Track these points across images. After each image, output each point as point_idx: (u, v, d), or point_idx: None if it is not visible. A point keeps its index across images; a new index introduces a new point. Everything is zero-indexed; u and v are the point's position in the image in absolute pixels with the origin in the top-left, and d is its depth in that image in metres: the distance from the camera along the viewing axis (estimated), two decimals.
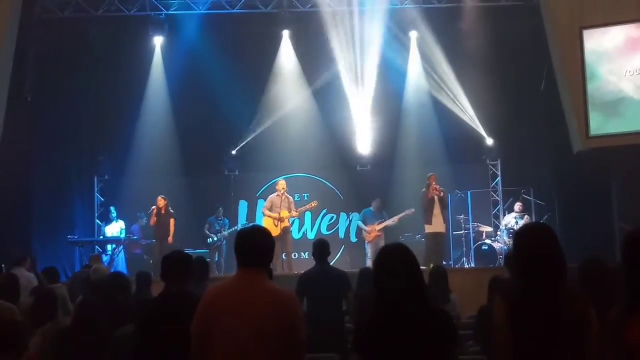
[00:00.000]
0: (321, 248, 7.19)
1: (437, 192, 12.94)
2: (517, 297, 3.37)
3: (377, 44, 14.75)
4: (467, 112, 14.78)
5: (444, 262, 12.88)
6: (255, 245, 4.00)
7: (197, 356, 3.85)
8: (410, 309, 3.38)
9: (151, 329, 4.89)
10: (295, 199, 14.31)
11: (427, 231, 13.15)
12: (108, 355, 4.85)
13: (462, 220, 14.40)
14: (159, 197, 13.61)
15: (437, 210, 12.96)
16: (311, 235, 15.28)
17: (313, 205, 13.98)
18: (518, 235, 3.60)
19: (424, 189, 13.17)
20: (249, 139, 15.23)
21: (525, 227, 3.74)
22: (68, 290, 8.55)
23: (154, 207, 13.54)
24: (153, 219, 13.62)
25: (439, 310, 3.58)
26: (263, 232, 4.18)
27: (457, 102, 14.76)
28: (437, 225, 13.00)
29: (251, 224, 12.76)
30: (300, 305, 4.29)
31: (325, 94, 15.06)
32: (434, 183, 13.02)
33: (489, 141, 14.95)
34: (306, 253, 13.35)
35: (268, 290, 3.92)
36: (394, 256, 3.53)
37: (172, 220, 13.63)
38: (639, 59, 12.48)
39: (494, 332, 3.42)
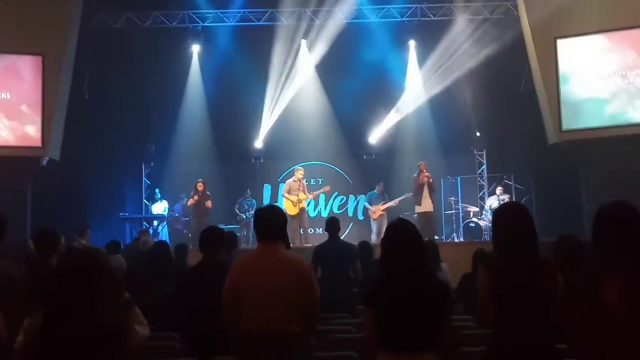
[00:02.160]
0: (333, 224, 7.21)
1: (427, 179, 12.91)
2: (496, 267, 3.38)
3: (382, 50, 14.78)
4: (458, 109, 14.72)
5: (437, 237, 12.92)
6: (272, 222, 4.03)
7: (230, 315, 3.89)
8: (416, 273, 3.37)
9: (191, 291, 4.97)
10: (311, 183, 14.51)
11: (417, 211, 13.10)
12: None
13: (452, 202, 14.45)
14: (199, 181, 13.61)
15: (425, 193, 12.92)
16: (325, 214, 15.32)
17: (326, 189, 13.98)
18: (496, 213, 3.58)
19: (415, 175, 13.14)
20: (272, 132, 15.27)
21: (502, 206, 3.70)
22: None
23: (199, 190, 13.58)
24: (192, 200, 13.58)
25: (439, 280, 3.58)
26: (277, 210, 4.19)
27: (449, 100, 14.69)
28: (426, 205, 12.97)
29: (266, 204, 12.81)
30: (312, 268, 4.32)
31: (338, 95, 15.01)
32: (424, 170, 12.96)
33: (477, 134, 14.90)
34: (320, 229, 13.35)
35: (286, 258, 3.96)
36: (403, 228, 3.50)
37: (209, 203, 13.59)
38: (604, 65, 12.43)
39: (478, 298, 3.44)
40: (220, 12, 14.56)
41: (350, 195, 15.87)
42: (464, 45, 14.33)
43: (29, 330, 2.92)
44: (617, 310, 2.50)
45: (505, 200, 12.98)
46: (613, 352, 2.53)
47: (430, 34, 14.65)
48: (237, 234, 10.87)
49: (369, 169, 15.32)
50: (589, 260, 2.94)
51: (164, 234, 14.17)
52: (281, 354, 3.73)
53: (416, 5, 14.43)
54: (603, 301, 2.54)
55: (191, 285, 5.02)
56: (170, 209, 14.62)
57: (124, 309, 3.07)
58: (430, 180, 12.98)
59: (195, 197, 13.52)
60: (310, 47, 15.08)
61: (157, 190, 14.88)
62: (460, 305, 6.28)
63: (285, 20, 14.58)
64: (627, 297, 2.50)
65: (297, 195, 13.03)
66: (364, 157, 15.61)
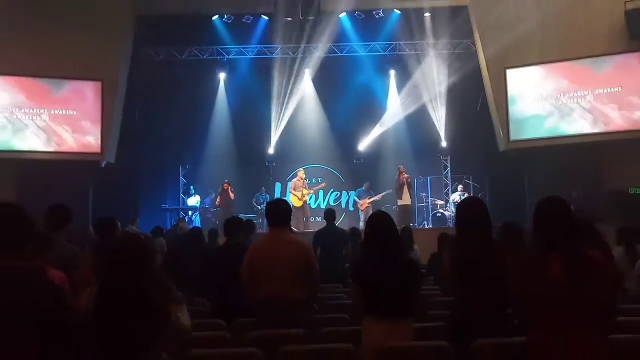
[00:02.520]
0: (330, 214, 7.26)
1: (407, 179, 12.96)
2: (458, 248, 3.37)
3: (369, 77, 14.73)
4: (428, 124, 14.70)
5: (411, 224, 12.90)
6: (280, 212, 4.03)
7: (248, 285, 3.89)
8: (392, 255, 3.39)
9: (218, 266, 4.97)
10: (312, 181, 14.46)
11: (399, 204, 13.12)
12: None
13: (423, 197, 14.48)
14: (225, 182, 13.67)
15: (405, 190, 12.92)
16: (323, 206, 15.19)
17: (323, 185, 14.24)
18: (458, 205, 3.58)
19: (396, 176, 13.18)
20: (281, 141, 15.18)
21: (463, 200, 3.71)
22: None
23: (227, 188, 13.61)
24: (218, 199, 13.66)
25: (411, 260, 3.59)
26: (284, 203, 4.21)
27: (421, 117, 14.66)
28: (405, 200, 12.98)
29: (276, 198, 12.86)
30: (311, 248, 4.33)
31: (333, 111, 14.96)
32: (403, 172, 13.01)
33: (443, 143, 14.88)
34: (319, 217, 13.38)
35: (291, 240, 3.98)
36: (381, 220, 3.51)
37: (232, 194, 13.67)
38: (543, 89, 12.45)
39: (443, 272, 3.43)
40: (242, 47, 14.52)
41: (343, 191, 15.79)
42: (433, 74, 14.34)
43: (90, 296, 2.91)
44: (560, 284, 2.49)
45: (466, 196, 13.02)
46: (556, 319, 2.52)
47: (406, 65, 14.63)
48: (254, 222, 10.87)
49: (358, 170, 15.24)
50: (532, 243, 2.92)
51: (196, 221, 14.14)
52: (290, 315, 3.73)
53: (395, 42, 14.39)
54: (548, 277, 2.53)
55: (218, 262, 5.03)
56: (201, 202, 14.57)
57: (176, 302, 3.01)
58: (408, 180, 13.04)
59: (218, 200, 13.70)
60: (311, 75, 15.02)
61: (191, 186, 14.82)
62: (431, 278, 6.28)
63: (292, 54, 14.55)
64: (568, 273, 2.50)
65: (301, 191, 13.12)
66: (354, 161, 15.54)
